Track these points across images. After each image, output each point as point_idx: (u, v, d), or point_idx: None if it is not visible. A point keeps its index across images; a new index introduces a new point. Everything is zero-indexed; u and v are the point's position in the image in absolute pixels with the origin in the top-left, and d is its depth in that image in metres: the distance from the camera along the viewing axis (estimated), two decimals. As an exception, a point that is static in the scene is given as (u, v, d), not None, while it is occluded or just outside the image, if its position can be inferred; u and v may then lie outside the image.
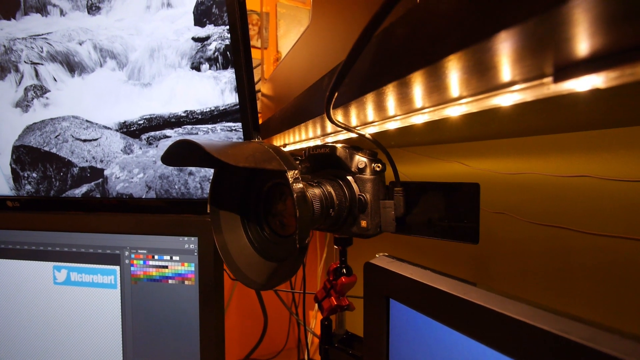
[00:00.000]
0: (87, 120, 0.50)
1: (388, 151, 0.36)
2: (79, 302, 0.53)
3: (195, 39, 0.43)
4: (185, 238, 0.50)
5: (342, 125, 0.35)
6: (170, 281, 0.51)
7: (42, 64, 0.50)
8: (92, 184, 0.53)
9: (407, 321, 0.29)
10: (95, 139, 0.50)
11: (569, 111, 0.30)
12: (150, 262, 0.52)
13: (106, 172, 0.52)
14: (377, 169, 0.38)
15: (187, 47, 0.44)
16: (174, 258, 0.51)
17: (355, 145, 0.39)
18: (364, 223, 0.38)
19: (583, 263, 0.42)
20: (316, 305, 1.26)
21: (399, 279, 0.30)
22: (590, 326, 0.17)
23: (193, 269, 0.50)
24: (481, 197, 0.30)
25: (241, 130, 0.46)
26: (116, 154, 0.51)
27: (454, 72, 0.20)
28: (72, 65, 0.49)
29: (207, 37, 0.43)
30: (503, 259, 0.53)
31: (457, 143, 0.61)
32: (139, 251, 0.52)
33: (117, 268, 0.53)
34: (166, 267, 0.51)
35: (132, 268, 0.52)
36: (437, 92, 0.26)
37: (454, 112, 0.26)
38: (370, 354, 0.33)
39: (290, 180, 0.30)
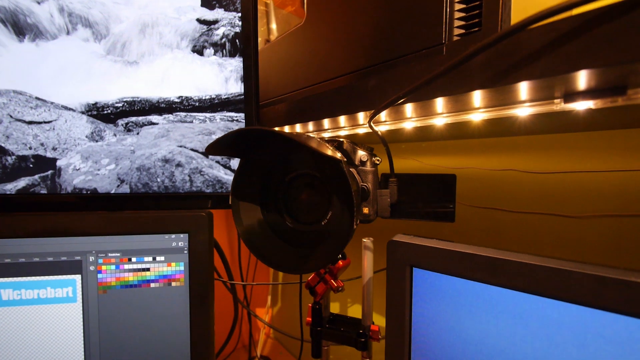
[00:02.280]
0: (37, 98, 0.39)
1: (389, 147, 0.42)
2: (20, 326, 0.42)
3: (200, 21, 0.40)
4: (173, 236, 0.46)
5: (377, 133, 0.39)
6: (152, 285, 0.46)
7: (-32, 19, 0.37)
8: (36, 177, 0.42)
9: (430, 283, 0.36)
10: (48, 122, 0.40)
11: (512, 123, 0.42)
12: (126, 266, 0.45)
13: (60, 163, 0.42)
14: (377, 162, 0.44)
15: (189, 28, 0.40)
16: (158, 259, 0.46)
17: (352, 141, 0.44)
18: (366, 210, 0.43)
19: (511, 234, 0.57)
20: (268, 300, 1.24)
21: (422, 249, 0.36)
22: (613, 268, 0.24)
23: (182, 268, 0.46)
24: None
25: (243, 121, 0.45)
26: (78, 141, 0.42)
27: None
28: (22, 27, 0.38)
29: (215, 21, 0.40)
30: (452, 236, 0.66)
31: (413, 142, 0.72)
32: (109, 255, 0.44)
33: (78, 277, 0.44)
34: (147, 269, 0.45)
35: (99, 275, 0.44)
36: (456, 102, 0.33)
37: (475, 117, 0.33)
38: (393, 319, 0.38)
39: (344, 166, 0.33)
